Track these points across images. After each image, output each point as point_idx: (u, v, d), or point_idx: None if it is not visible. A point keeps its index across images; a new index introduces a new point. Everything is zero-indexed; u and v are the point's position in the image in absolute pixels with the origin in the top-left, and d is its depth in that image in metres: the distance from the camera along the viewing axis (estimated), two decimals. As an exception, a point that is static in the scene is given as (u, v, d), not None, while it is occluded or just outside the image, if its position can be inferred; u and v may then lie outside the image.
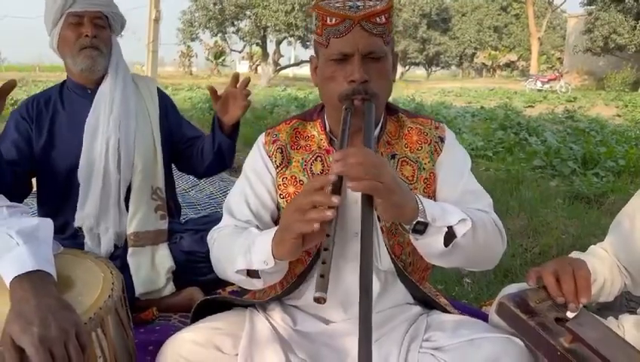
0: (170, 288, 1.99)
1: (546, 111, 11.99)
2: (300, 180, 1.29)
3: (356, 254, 1.18)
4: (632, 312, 1.42)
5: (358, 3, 1.18)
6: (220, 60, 39.38)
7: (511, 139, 6.96)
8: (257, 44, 31.70)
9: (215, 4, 28.32)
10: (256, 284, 1.17)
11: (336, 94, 1.20)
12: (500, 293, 1.26)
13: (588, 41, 24.45)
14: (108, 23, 2.01)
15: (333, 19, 1.18)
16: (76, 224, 1.95)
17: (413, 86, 25.95)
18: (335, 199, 0.97)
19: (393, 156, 1.29)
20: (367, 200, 0.99)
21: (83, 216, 1.94)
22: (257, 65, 37.67)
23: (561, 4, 35.94)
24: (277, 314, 1.28)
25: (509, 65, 42.49)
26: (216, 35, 30.91)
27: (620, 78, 22.26)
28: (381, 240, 1.25)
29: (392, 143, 1.30)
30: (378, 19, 1.18)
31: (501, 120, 8.91)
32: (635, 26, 22.50)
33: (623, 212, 1.41)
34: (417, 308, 1.33)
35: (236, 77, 1.93)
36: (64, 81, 2.08)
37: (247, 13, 28.31)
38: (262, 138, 1.37)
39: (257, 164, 1.34)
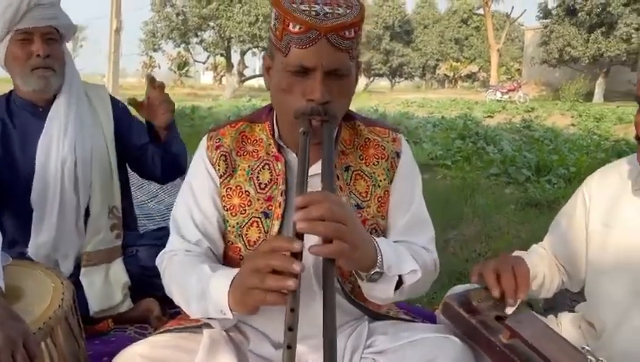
0: (128, 304, 1.93)
1: (504, 121, 12.38)
2: (245, 191, 1.20)
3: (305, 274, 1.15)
4: (572, 310, 1.50)
5: (327, 9, 1.05)
6: (184, 71, 39.05)
7: (469, 148, 7.17)
8: (221, 55, 31.58)
9: (178, 14, 28.13)
10: (213, 325, 1.11)
11: (291, 110, 1.09)
12: (447, 294, 1.31)
13: (544, 53, 25.26)
14: (60, 35, 1.86)
15: (297, 27, 1.04)
16: (29, 253, 1.83)
17: (377, 97, 26.24)
18: (297, 266, 0.89)
19: (347, 168, 1.22)
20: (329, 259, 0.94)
21: (38, 244, 1.83)
22: (222, 76, 37.52)
23: (519, 18, 37.12)
24: (232, 331, 1.20)
25: (470, 76, 43.45)
26: (179, 46, 30.65)
27: (574, 89, 23.01)
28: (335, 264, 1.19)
29: (346, 153, 1.23)
30: (347, 32, 1.06)
31: (460, 130, 9.15)
32: (588, 39, 23.38)
33: (562, 212, 1.48)
34: (363, 318, 1.28)
35: (151, 80, 1.83)
36: (9, 95, 1.94)
37: (211, 24, 28.17)
38: (204, 142, 1.25)
39: (200, 172, 1.23)
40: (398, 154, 1.25)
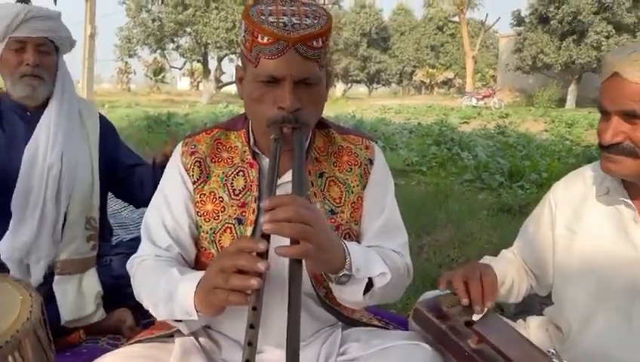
0: (101, 314, 1.92)
1: (479, 127, 12.54)
2: (219, 197, 1.21)
3: (274, 275, 1.12)
4: (542, 314, 1.53)
5: (294, 20, 1.07)
6: (160, 77, 38.75)
7: (444, 154, 7.26)
8: (198, 61, 31.42)
9: (154, 20, 27.91)
10: (180, 328, 1.13)
11: (263, 118, 1.11)
12: (419, 299, 1.33)
13: (518, 60, 25.70)
14: (54, 46, 1.93)
15: (265, 38, 1.06)
16: (3, 256, 1.83)
17: (354, 103, 26.40)
18: (262, 265, 0.90)
19: (321, 175, 1.24)
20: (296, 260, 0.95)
21: (14, 247, 1.83)
22: (199, 82, 37.32)
23: (493, 25, 37.71)
24: (203, 339, 1.21)
25: (447, 82, 43.89)
26: (155, 52, 30.40)
27: (547, 95, 23.47)
28: (302, 265, 1.20)
29: (320, 160, 1.25)
30: (315, 42, 1.08)
31: (436, 136, 9.26)
32: (560, 46, 23.88)
33: (530, 217, 1.52)
34: (337, 325, 1.29)
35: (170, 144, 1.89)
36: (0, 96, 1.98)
37: (187, 29, 28.04)
38: (179, 148, 1.26)
39: (174, 178, 1.24)
40: (371, 161, 1.28)
